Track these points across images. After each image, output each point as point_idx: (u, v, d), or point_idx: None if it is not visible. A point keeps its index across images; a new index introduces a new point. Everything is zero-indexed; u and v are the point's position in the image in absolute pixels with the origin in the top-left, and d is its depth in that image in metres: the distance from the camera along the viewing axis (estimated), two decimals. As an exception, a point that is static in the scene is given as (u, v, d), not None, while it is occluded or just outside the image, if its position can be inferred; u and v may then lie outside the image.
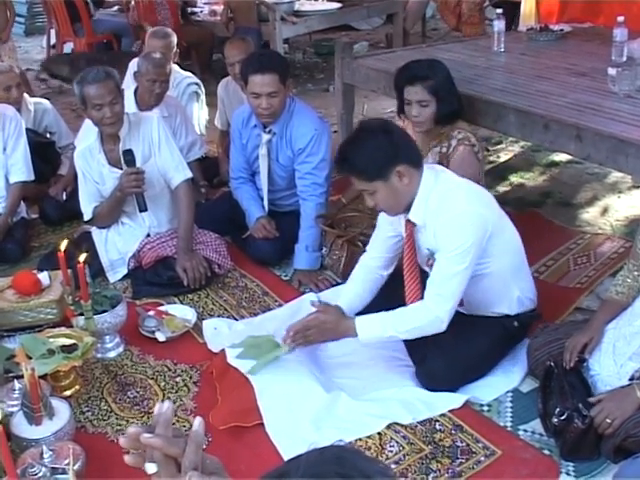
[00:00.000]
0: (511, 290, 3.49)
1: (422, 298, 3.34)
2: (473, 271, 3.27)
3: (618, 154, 3.77)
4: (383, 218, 3.53)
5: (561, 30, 5.93)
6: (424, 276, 3.40)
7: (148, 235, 4.39)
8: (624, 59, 4.93)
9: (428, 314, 3.27)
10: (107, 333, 3.76)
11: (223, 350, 3.63)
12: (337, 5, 8.25)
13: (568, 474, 2.99)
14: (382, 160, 3.17)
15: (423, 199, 3.26)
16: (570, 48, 5.60)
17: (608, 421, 2.92)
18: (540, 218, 4.96)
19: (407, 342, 3.64)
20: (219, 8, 8.35)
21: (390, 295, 3.52)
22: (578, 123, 3.99)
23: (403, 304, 3.39)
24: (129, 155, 4.11)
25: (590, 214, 5.12)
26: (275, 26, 7.50)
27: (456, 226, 3.20)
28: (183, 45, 7.29)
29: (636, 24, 5.18)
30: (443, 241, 3.23)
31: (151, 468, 1.34)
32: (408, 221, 3.35)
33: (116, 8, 9.00)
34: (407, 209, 3.31)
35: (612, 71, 4.50)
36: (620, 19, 5.00)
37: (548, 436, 3.14)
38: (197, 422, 1.38)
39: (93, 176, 4.27)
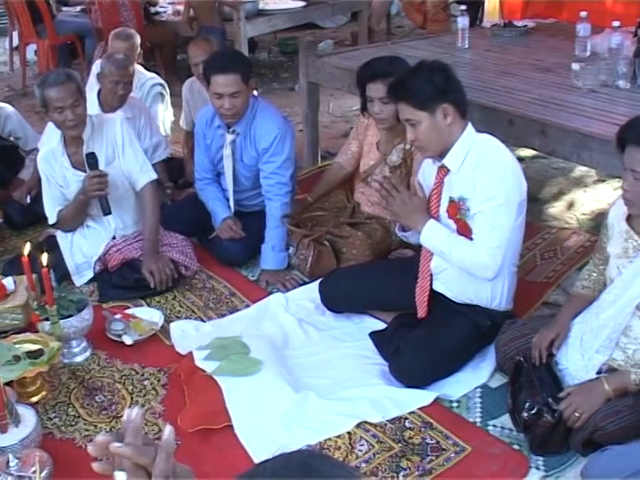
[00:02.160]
0: (502, 277, 3.47)
1: None
2: None
3: (582, 149, 3.80)
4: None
5: (525, 26, 5.96)
6: None
7: (114, 238, 4.34)
8: (587, 54, 4.97)
9: (478, 258, 3.31)
10: (73, 337, 3.72)
11: (191, 352, 3.60)
12: (302, 3, 8.22)
13: (538, 468, 3.00)
14: (433, 91, 3.27)
15: (463, 148, 3.35)
16: (534, 44, 5.63)
17: (576, 415, 2.93)
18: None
19: (376, 339, 3.65)
20: (182, 9, 8.29)
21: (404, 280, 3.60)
22: (542, 118, 4.01)
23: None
24: (92, 158, 4.07)
25: (556, 208, 5.15)
26: (239, 25, 7.46)
27: (497, 174, 3.28)
28: (147, 46, 7.29)
29: (599, 19, 5.21)
30: (482, 187, 3.28)
31: (120, 477, 1.31)
32: (442, 167, 3.41)
33: (79, 9, 8.92)
34: (441, 155, 3.38)
35: (576, 66, 4.54)
36: (583, 14, 5.04)
37: (517, 431, 3.15)
38: (168, 430, 1.34)
39: (57, 179, 4.22)
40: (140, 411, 1.37)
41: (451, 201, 3.39)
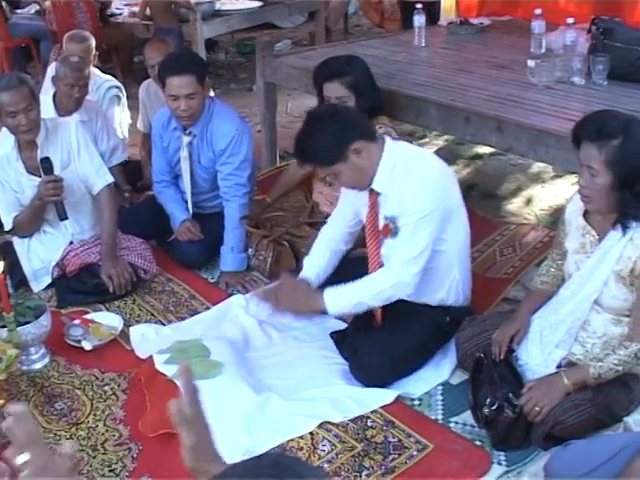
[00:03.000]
0: (453, 277, 3.52)
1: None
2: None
3: (539, 145, 3.82)
4: (346, 193, 3.58)
5: (481, 23, 5.99)
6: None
7: (71, 242, 4.30)
8: (543, 51, 5.00)
9: (394, 278, 3.31)
10: (32, 344, 3.67)
11: (151, 356, 3.57)
12: (258, 3, 8.20)
13: (500, 464, 3.01)
14: (336, 144, 3.23)
15: (387, 168, 3.32)
16: (490, 41, 5.66)
17: (537, 409, 2.95)
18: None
19: (337, 339, 3.64)
20: (138, 9, 8.24)
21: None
22: (499, 115, 4.03)
23: None
24: (47, 163, 4.03)
25: (514, 205, 5.18)
26: (196, 26, 7.43)
27: (420, 189, 3.27)
28: (103, 48, 7.20)
29: (553, 16, 5.25)
30: (408, 204, 3.27)
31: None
32: (372, 190, 3.39)
33: (33, 11, 8.82)
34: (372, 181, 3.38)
35: (531, 63, 4.56)
36: (538, 12, 5.07)
37: (479, 427, 3.17)
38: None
39: (11, 185, 4.17)
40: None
41: (384, 222, 3.40)
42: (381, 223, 3.42)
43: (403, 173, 3.30)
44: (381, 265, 3.44)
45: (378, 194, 3.39)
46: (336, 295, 3.37)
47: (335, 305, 3.37)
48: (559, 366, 3.10)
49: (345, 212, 3.63)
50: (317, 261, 3.64)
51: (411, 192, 3.27)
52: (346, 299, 3.37)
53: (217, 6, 7.87)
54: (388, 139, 3.42)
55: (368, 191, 3.41)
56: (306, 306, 3.46)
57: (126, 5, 8.64)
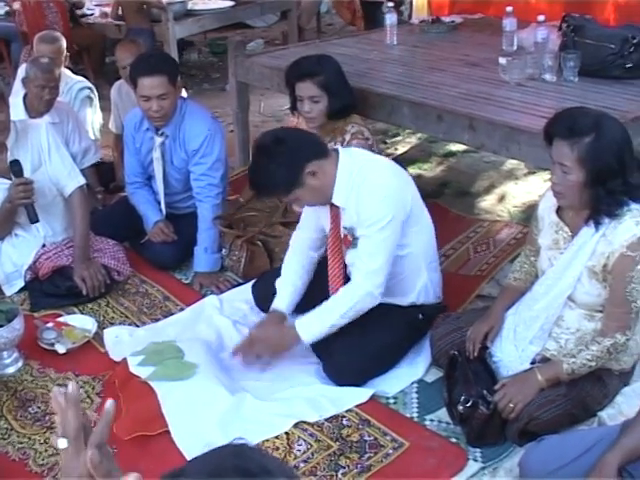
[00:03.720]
0: (421, 278, 3.53)
1: (344, 282, 3.41)
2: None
3: (511, 142, 3.83)
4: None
5: (452, 22, 6.00)
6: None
7: (44, 245, 4.26)
8: (514, 48, 5.02)
9: (359, 291, 3.31)
10: (4, 348, 3.64)
11: (125, 359, 3.55)
12: (230, 3, 8.19)
13: (475, 460, 3.02)
14: (288, 172, 3.21)
15: (344, 180, 3.30)
16: (462, 39, 5.68)
17: (511, 405, 2.96)
18: (439, 208, 4.98)
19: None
20: (110, 10, 8.20)
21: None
22: (471, 113, 4.04)
23: None
24: (16, 165, 3.99)
25: (488, 202, 5.20)
26: (168, 26, 7.40)
27: (377, 198, 3.26)
28: (74, 49, 7.17)
29: (525, 14, 5.26)
30: (365, 214, 3.27)
31: (62, 443, 1.43)
32: (332, 205, 3.38)
33: (3, 12, 8.76)
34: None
35: (503, 60, 4.58)
36: (509, 9, 5.08)
37: (454, 424, 3.17)
38: (109, 403, 1.51)
39: (-19, 188, 4.13)
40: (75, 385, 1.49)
41: (344, 232, 3.41)
42: (342, 233, 3.43)
43: (359, 183, 3.29)
44: (342, 276, 3.47)
45: (338, 208, 3.39)
46: (308, 325, 3.38)
47: (309, 335, 3.38)
48: (533, 362, 3.12)
49: (310, 223, 3.63)
50: (289, 286, 3.62)
51: (367, 203, 3.27)
52: (318, 326, 3.37)
53: (189, 6, 7.86)
54: (341, 150, 3.40)
55: (329, 205, 3.41)
56: (283, 346, 3.47)
57: (97, 6, 8.60)
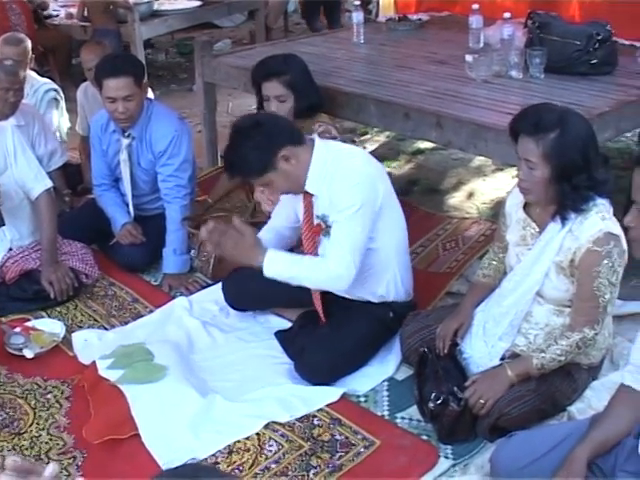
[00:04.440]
0: (392, 273, 3.52)
1: None
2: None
3: (478, 139, 3.84)
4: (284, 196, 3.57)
5: (419, 19, 6.01)
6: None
7: (10, 249, 4.22)
8: (481, 45, 5.04)
9: (330, 272, 3.29)
10: (-29, 354, 3.61)
11: (94, 362, 3.53)
12: (197, 3, 8.17)
13: (447, 457, 3.03)
14: (263, 154, 3.22)
15: (318, 168, 3.31)
16: (429, 37, 5.69)
17: (481, 402, 2.97)
18: (408, 206, 4.93)
19: (281, 338, 3.64)
20: (76, 11, 8.15)
21: None
22: (438, 111, 4.05)
23: None
24: (-19, 169, 3.96)
25: (457, 199, 5.22)
26: (134, 27, 7.36)
27: (349, 184, 3.26)
28: (39, 50, 7.10)
29: (491, 11, 5.28)
30: (338, 201, 3.27)
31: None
32: (306, 192, 3.38)
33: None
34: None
35: (469, 58, 4.58)
36: (475, 6, 5.10)
37: (425, 421, 3.18)
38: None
39: (-53, 191, 4.09)
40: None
41: (317, 221, 3.40)
42: (315, 222, 3.42)
43: (333, 172, 3.30)
44: None
45: (312, 195, 3.39)
46: (277, 259, 3.31)
47: (271, 268, 3.30)
48: (503, 358, 3.13)
49: (284, 214, 3.62)
50: (268, 235, 3.57)
51: (340, 188, 3.27)
52: (284, 268, 3.31)
53: (155, 6, 7.83)
54: (317, 139, 3.41)
55: (303, 193, 3.41)
56: (245, 257, 3.36)
57: (63, 7, 8.54)
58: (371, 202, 3.30)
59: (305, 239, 3.48)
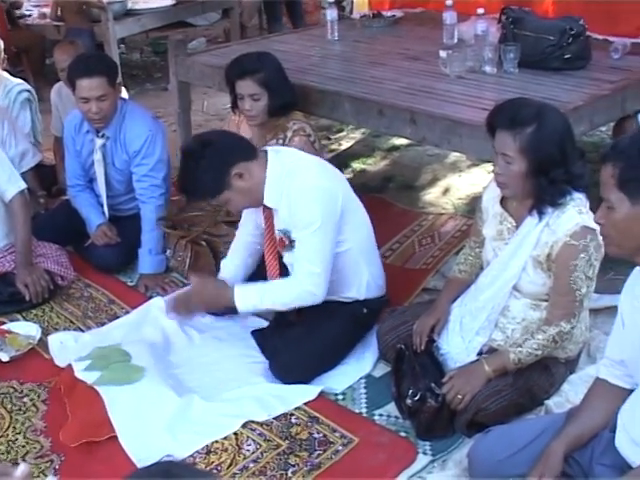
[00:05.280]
0: (361, 273, 3.53)
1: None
2: None
3: (452, 135, 3.83)
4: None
5: (393, 16, 6.01)
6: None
7: (-15, 252, 4.20)
8: (455, 41, 5.03)
9: (301, 289, 3.32)
10: (-55, 358, 3.58)
11: (70, 364, 3.50)
12: (171, 2, 8.13)
13: (425, 453, 3.03)
14: (215, 176, 3.23)
15: (274, 182, 3.31)
16: (403, 33, 5.68)
17: (459, 397, 2.97)
18: (384, 202, 5.01)
19: (258, 338, 3.63)
20: (49, 11, 8.10)
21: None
22: (412, 107, 4.04)
23: None
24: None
25: (432, 195, 5.22)
26: (108, 26, 7.32)
27: (307, 201, 3.27)
28: (12, 51, 7.05)
29: (465, 7, 5.27)
30: (299, 218, 3.28)
31: None
32: (265, 206, 3.38)
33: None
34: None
35: (443, 53, 4.59)
36: (449, 3, 5.09)
37: (403, 418, 3.17)
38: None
39: None
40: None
41: (279, 235, 3.41)
42: (277, 235, 3.43)
43: (290, 185, 3.30)
44: (279, 276, 3.48)
45: (271, 209, 3.39)
46: (245, 293, 3.37)
47: (243, 305, 3.38)
48: (480, 353, 3.14)
49: (249, 222, 3.63)
50: (233, 261, 3.64)
51: (300, 205, 3.28)
52: (254, 301, 3.37)
53: (129, 5, 7.78)
54: (270, 151, 3.41)
55: (262, 207, 3.42)
56: (217, 302, 3.46)
57: (36, 6, 8.49)
58: (332, 214, 3.31)
59: (267, 253, 3.51)
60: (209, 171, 3.21)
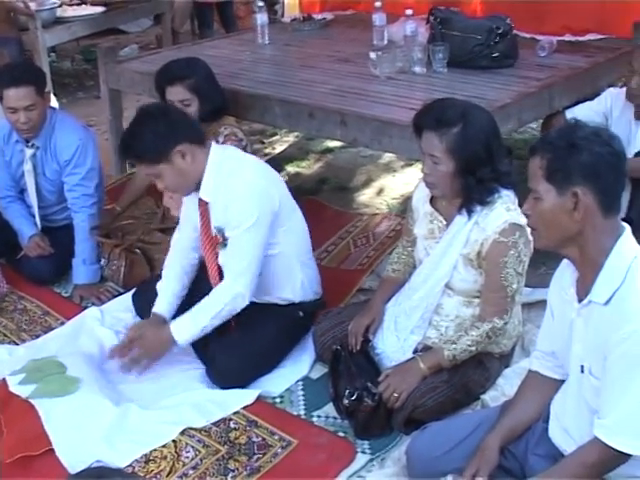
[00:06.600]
0: (296, 275, 3.54)
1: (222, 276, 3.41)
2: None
3: (382, 135, 3.86)
4: (186, 203, 3.57)
5: (324, 19, 6.04)
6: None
7: None
8: (385, 43, 5.08)
9: (228, 292, 3.33)
10: None
11: (4, 379, 3.44)
12: (101, 9, 8.05)
13: (364, 452, 3.05)
14: (161, 142, 3.21)
15: (212, 175, 3.32)
16: (334, 35, 5.72)
17: (395, 395, 2.99)
18: (318, 205, 5.01)
19: (195, 344, 3.61)
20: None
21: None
22: (342, 109, 4.06)
23: None
24: None
25: (366, 195, 5.25)
26: (37, 34, 7.22)
27: (243, 199, 3.28)
28: (-61, 63, 6.91)
29: (394, 8, 5.32)
30: (233, 215, 3.29)
31: None
32: (200, 200, 3.38)
33: None
34: (198, 187, 3.35)
35: (373, 55, 4.62)
36: (378, 4, 5.13)
37: (341, 418, 3.19)
38: None
39: None
40: None
41: (215, 232, 3.41)
42: (213, 233, 3.43)
43: (227, 181, 3.31)
44: (220, 275, 3.46)
45: (207, 203, 3.39)
46: (181, 327, 3.37)
47: (183, 337, 3.37)
48: (415, 351, 3.16)
49: (188, 222, 3.61)
50: (168, 290, 3.61)
51: (235, 202, 3.29)
52: (191, 328, 3.37)
53: (59, 13, 7.67)
54: (214, 145, 3.42)
55: (197, 200, 3.41)
56: (159, 348, 3.44)
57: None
58: (266, 214, 3.32)
59: (204, 249, 3.50)
60: (157, 136, 3.20)
